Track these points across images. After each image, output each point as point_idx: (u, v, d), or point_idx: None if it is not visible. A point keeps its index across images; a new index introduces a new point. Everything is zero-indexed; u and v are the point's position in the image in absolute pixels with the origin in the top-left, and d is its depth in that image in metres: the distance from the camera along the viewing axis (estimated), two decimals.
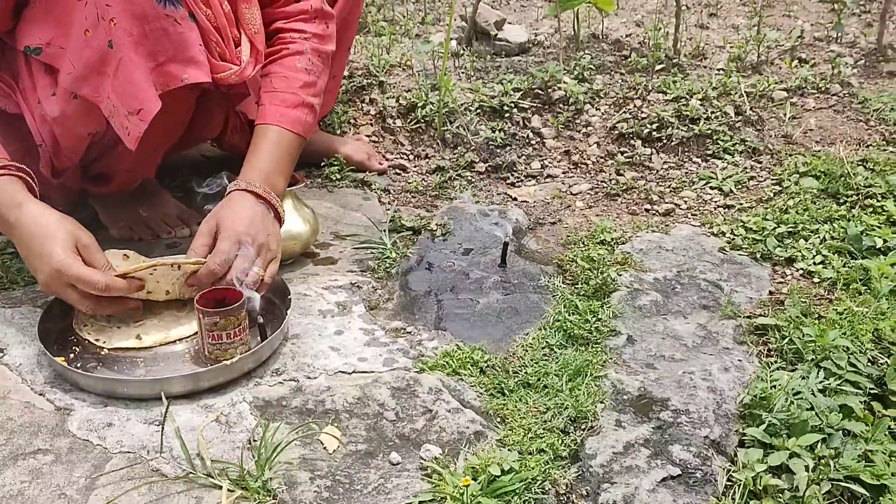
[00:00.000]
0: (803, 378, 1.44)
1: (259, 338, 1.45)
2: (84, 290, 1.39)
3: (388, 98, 2.50)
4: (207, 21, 1.57)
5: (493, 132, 2.34)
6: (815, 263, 1.82)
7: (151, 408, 1.32)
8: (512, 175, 2.23)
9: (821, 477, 1.26)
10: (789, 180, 2.14)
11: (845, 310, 1.64)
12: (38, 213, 1.43)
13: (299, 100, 1.68)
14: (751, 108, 2.46)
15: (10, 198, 1.43)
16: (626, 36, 3.25)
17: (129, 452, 1.23)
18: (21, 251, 1.45)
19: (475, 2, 3.06)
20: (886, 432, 1.41)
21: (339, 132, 2.42)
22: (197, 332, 1.44)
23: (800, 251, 1.86)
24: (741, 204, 2.07)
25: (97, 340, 1.47)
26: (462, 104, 2.42)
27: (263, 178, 1.60)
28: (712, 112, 2.42)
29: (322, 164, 2.19)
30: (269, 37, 1.74)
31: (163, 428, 1.26)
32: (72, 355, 1.45)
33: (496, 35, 3.05)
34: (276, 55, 1.72)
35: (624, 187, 2.16)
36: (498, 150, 2.29)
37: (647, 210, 2.07)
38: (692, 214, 2.05)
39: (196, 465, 1.20)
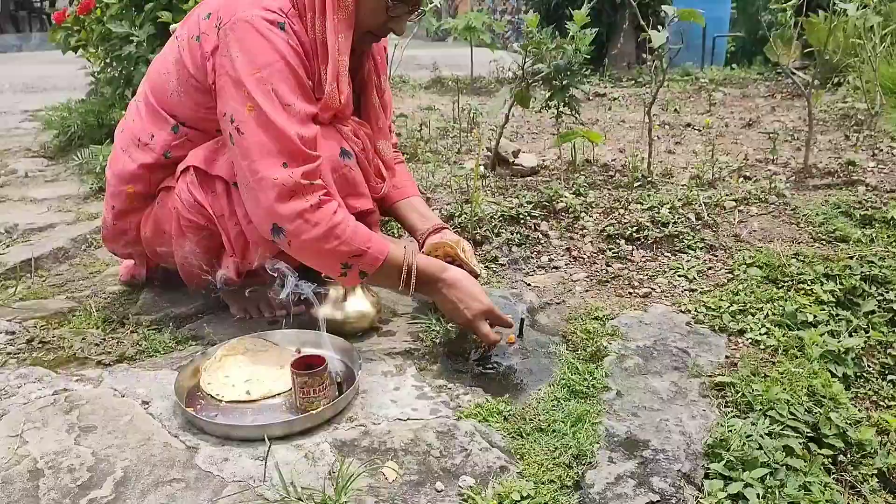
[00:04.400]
0: (753, 424, 1.43)
1: (337, 393, 1.47)
2: (496, 322, 1.68)
3: (433, 210, 2.54)
4: (366, 162, 1.80)
5: (512, 234, 2.37)
6: (760, 334, 1.81)
7: (257, 447, 1.33)
8: (526, 266, 2.24)
9: (769, 503, 1.25)
10: (739, 270, 2.13)
11: (785, 370, 1.64)
12: (461, 273, 1.71)
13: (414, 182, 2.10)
14: (708, 215, 2.46)
15: (435, 263, 1.70)
16: (612, 160, 3.29)
17: (240, 481, 1.25)
18: (452, 293, 1.67)
19: (497, 137, 3.13)
20: (821, 467, 1.39)
21: (396, 236, 2.46)
22: (291, 389, 1.46)
23: (748, 325, 1.85)
24: (702, 288, 2.06)
25: (217, 395, 1.50)
26: (488, 213, 2.45)
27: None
28: (678, 218, 2.43)
29: None
30: None
31: (265, 462, 1.28)
32: (199, 406, 1.47)
33: (513, 161, 3.10)
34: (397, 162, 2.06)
35: (612, 276, 2.17)
36: (515, 248, 2.31)
37: (629, 293, 2.07)
38: (665, 296, 2.04)
39: (290, 491, 1.20)
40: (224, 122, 1.59)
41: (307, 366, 1.43)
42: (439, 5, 4.09)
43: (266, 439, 1.32)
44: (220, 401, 1.49)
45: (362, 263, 1.60)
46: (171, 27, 2.46)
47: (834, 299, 1.98)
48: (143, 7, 3.52)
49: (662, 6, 2.65)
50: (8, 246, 2.49)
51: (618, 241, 2.36)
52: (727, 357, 1.73)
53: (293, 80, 1.58)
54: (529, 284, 2.12)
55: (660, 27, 2.63)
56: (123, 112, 1.99)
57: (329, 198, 1.59)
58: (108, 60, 3.85)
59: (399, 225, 2.07)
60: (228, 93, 1.57)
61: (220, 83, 1.59)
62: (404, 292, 1.69)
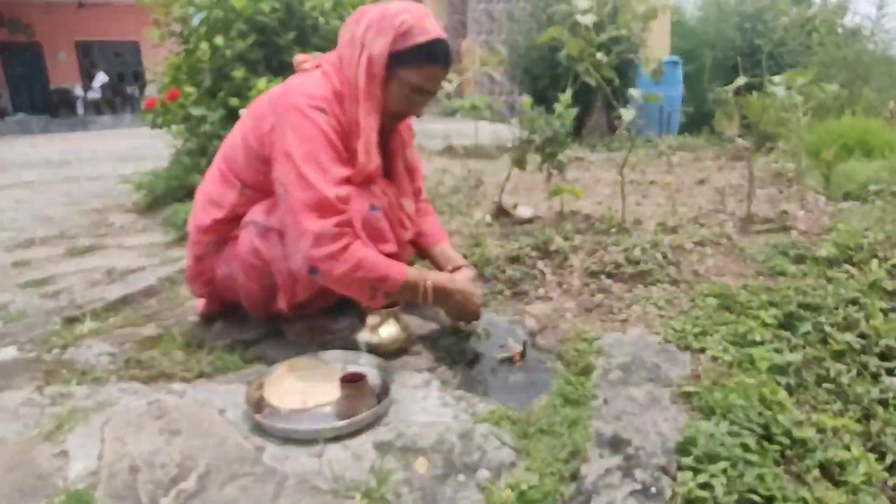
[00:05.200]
0: (716, 425, 1.42)
1: (376, 402, 1.47)
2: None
3: None
4: (391, 215, 1.81)
5: (514, 271, 2.37)
6: (718, 351, 1.79)
7: (312, 447, 1.34)
8: (526, 297, 2.24)
9: (731, 490, 1.24)
10: (699, 299, 2.12)
11: (739, 381, 1.62)
12: (461, 281, 1.80)
13: (443, 231, 2.11)
14: (672, 254, 2.46)
15: (443, 276, 1.79)
16: (592, 211, 3.30)
17: (299, 475, 1.25)
18: (458, 294, 1.77)
19: (500, 192, 3.17)
20: (772, 460, 1.38)
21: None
22: (339, 399, 1.46)
23: (708, 344, 1.83)
24: (670, 314, 2.05)
25: (278, 404, 1.50)
26: (494, 254, 2.46)
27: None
28: (648, 257, 2.42)
29: None
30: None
31: (320, 459, 1.28)
32: (264, 413, 1.48)
33: (513, 212, 3.13)
34: (426, 214, 2.07)
35: (596, 304, 2.16)
36: (517, 283, 2.32)
37: (611, 318, 2.06)
38: (640, 321, 2.03)
39: (339, 482, 1.21)
40: (277, 186, 1.66)
41: (351, 380, 1.45)
42: (449, 90, 4.16)
43: (319, 441, 1.33)
44: (281, 409, 1.49)
45: (386, 286, 1.64)
46: (241, 111, 2.52)
47: (776, 322, 1.97)
48: (216, 95, 3.61)
49: (629, 90, 2.70)
50: (109, 284, 2.52)
51: (600, 276, 2.36)
52: (692, 370, 1.72)
53: (332, 151, 1.64)
54: (529, 313, 2.12)
55: (627, 105, 2.67)
56: (199, 176, 2.04)
57: (354, 240, 1.63)
58: (187, 136, 3.93)
59: (430, 264, 2.10)
60: (280, 163, 1.63)
61: (274, 155, 1.66)
62: (424, 303, 1.73)
